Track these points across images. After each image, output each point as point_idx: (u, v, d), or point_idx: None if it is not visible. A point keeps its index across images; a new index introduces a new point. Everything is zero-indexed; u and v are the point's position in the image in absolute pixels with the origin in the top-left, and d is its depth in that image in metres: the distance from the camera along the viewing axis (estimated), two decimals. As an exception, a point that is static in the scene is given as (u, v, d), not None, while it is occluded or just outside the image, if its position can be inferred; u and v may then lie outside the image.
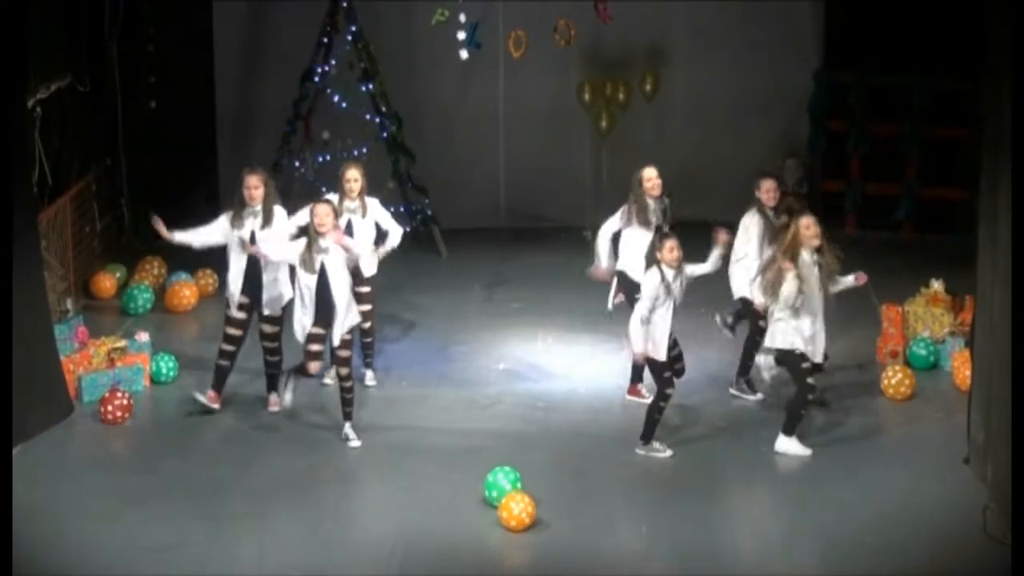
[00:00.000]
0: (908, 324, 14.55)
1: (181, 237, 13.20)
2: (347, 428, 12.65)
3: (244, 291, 13.01)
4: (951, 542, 10.88)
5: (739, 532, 11.31)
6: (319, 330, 12.38)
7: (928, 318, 14.53)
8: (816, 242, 12.21)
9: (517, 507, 11.06)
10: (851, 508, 11.42)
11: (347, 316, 12.38)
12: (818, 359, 12.42)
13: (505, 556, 10.91)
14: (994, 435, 11.09)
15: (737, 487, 12.10)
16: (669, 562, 10.73)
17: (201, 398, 13.17)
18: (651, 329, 12.22)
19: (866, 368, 14.37)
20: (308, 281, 12.31)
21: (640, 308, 12.22)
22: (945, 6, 17.84)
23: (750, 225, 13.33)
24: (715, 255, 12.62)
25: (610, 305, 13.56)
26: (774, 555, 10.83)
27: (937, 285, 14.84)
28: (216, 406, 13.24)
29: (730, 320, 13.65)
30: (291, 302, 12.91)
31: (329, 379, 13.34)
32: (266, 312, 13.09)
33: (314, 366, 12.50)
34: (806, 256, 12.21)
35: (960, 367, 13.65)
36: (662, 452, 12.44)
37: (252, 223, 12.93)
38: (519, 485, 11.31)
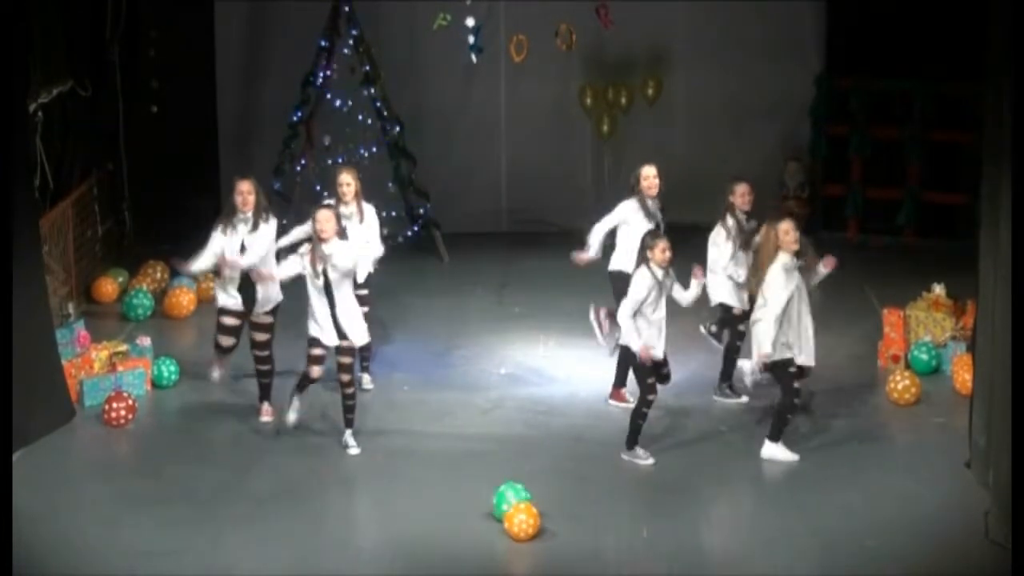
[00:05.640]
0: (910, 328, 14.53)
1: (198, 266, 13.14)
2: (347, 435, 12.62)
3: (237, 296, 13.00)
4: (952, 546, 10.86)
5: (740, 535, 11.32)
6: (320, 343, 12.38)
7: (929, 322, 14.51)
8: (795, 246, 12.24)
9: (521, 517, 11.02)
10: (852, 512, 11.40)
11: (358, 324, 12.35)
12: (810, 362, 12.40)
13: (505, 561, 10.87)
14: (996, 439, 11.07)
15: (738, 490, 12.08)
16: (670, 565, 10.70)
17: (292, 416, 12.84)
18: (646, 330, 12.22)
19: (867, 372, 14.36)
20: (314, 288, 12.29)
21: (624, 307, 12.22)
22: (947, 10, 17.84)
23: (724, 237, 13.30)
24: (695, 288, 12.50)
25: (601, 341, 13.66)
26: (775, 558, 10.80)
27: (939, 289, 14.81)
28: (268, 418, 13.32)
29: (714, 329, 13.65)
30: (279, 306, 13.06)
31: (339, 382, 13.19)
32: (255, 319, 13.05)
33: (316, 370, 12.46)
34: (787, 261, 12.23)
35: (961, 371, 13.64)
36: (644, 460, 12.40)
37: (243, 229, 12.88)
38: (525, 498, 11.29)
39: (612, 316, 13.06)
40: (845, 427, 13.09)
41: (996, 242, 11.09)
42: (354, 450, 12.56)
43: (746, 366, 12.55)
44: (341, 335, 12.34)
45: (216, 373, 13.32)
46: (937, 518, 11.34)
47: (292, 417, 12.63)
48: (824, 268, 12.58)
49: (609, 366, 13.75)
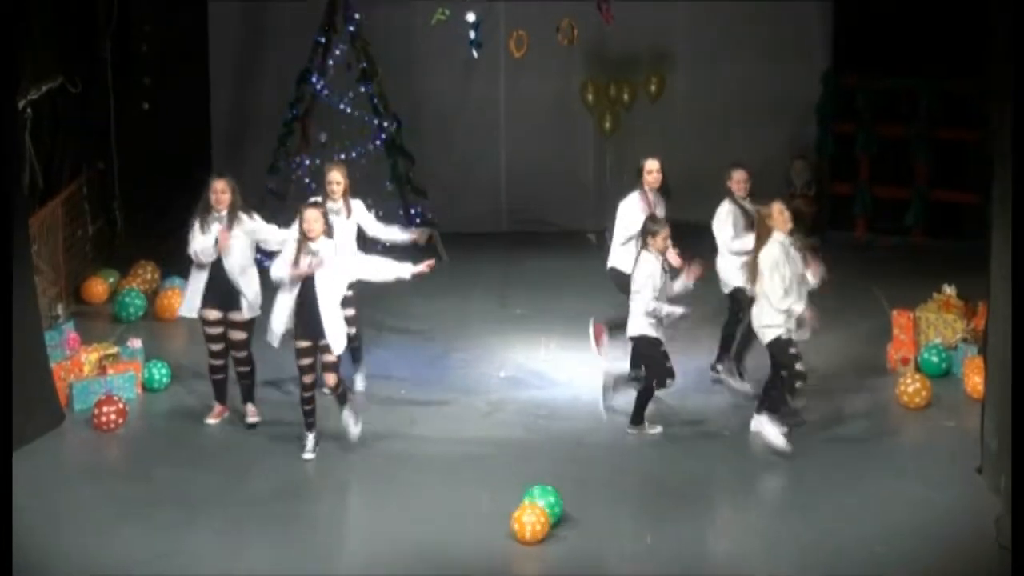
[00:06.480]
0: (920, 330, 14.46)
1: (191, 306, 12.95)
2: (345, 412, 12.48)
3: (213, 303, 12.82)
4: (962, 552, 10.78)
5: (746, 540, 11.21)
6: (306, 343, 12.23)
7: (940, 324, 14.43)
8: (788, 226, 12.33)
9: (532, 518, 10.90)
10: (860, 516, 11.31)
11: (338, 330, 12.23)
12: (805, 336, 12.50)
13: (506, 565, 10.78)
14: (1007, 444, 10.90)
15: (743, 495, 12.00)
16: (673, 571, 10.58)
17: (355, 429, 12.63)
18: (646, 319, 12.48)
19: (877, 375, 14.28)
20: (291, 286, 12.18)
21: (645, 301, 12.39)
22: (953, 9, 17.94)
23: (724, 214, 13.45)
24: (685, 281, 12.67)
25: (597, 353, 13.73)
26: (782, 563, 10.70)
27: (949, 290, 14.78)
28: (214, 421, 13.19)
29: (732, 368, 13.77)
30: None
31: (327, 389, 13.05)
32: (235, 318, 12.87)
33: (308, 377, 12.38)
34: (782, 240, 12.27)
35: (972, 374, 13.54)
36: (652, 430, 12.78)
37: (218, 229, 12.71)
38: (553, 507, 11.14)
39: (612, 329, 13.18)
40: (854, 430, 13.01)
41: (1007, 242, 11.01)
42: (355, 429, 12.47)
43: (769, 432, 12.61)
44: (317, 336, 12.19)
45: (213, 424, 13.18)
46: (947, 523, 11.23)
47: (355, 431, 12.53)
48: (813, 277, 12.52)
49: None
